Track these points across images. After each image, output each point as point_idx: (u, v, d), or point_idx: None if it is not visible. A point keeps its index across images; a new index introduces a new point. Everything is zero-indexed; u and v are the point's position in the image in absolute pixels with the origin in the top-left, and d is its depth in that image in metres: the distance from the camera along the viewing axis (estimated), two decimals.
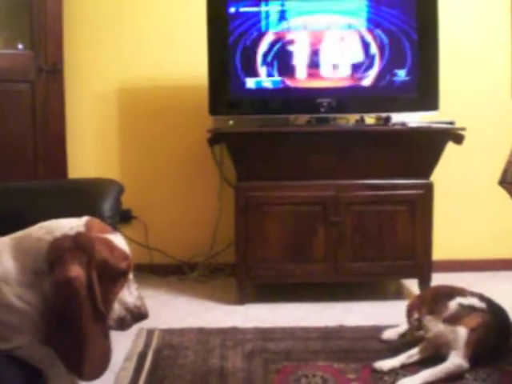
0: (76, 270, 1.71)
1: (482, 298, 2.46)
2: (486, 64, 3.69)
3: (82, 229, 1.80)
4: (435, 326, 2.38)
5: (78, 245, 1.76)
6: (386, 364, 2.35)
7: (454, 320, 2.35)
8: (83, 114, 3.66)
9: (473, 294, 2.46)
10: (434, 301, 2.45)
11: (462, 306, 2.38)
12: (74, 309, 1.72)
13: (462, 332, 2.31)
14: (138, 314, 1.83)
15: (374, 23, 3.17)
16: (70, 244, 1.76)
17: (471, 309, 2.38)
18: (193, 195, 3.73)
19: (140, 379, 2.30)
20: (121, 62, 3.65)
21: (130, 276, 1.85)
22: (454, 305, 2.39)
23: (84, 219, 1.86)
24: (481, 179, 3.68)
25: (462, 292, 2.47)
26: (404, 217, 3.15)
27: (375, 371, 2.33)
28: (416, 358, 2.39)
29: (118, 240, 1.84)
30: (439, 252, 3.40)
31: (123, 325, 1.85)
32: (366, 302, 3.21)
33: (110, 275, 1.78)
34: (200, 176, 3.70)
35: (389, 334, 2.66)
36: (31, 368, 1.74)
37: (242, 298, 3.21)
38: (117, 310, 1.81)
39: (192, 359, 2.49)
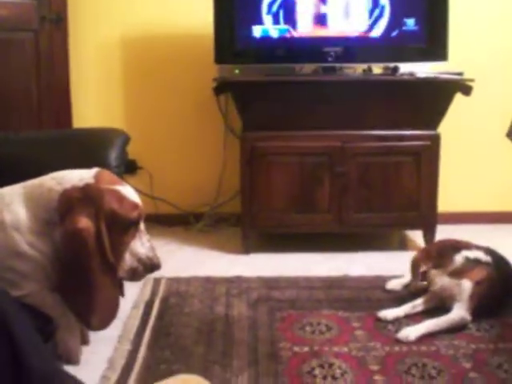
0: (84, 221, 1.73)
1: (487, 251, 2.47)
2: (496, 15, 3.62)
3: (91, 180, 1.81)
4: (441, 280, 2.41)
5: (86, 196, 1.77)
6: (389, 313, 2.38)
7: (459, 273, 2.37)
8: (87, 64, 3.62)
9: (478, 248, 2.48)
10: (439, 254, 2.47)
11: (467, 259, 2.40)
12: (82, 259, 1.74)
13: (466, 285, 2.33)
14: (149, 265, 1.85)
15: None
16: (78, 195, 1.77)
17: (477, 262, 2.39)
18: (198, 145, 3.72)
19: (147, 326, 2.34)
20: (125, 11, 3.59)
21: (142, 227, 1.86)
22: (459, 258, 2.41)
23: (94, 171, 1.87)
24: (488, 131, 3.65)
25: (467, 245, 2.48)
26: (410, 168, 3.14)
27: (379, 320, 2.36)
28: (420, 308, 2.42)
29: (128, 191, 1.85)
30: (445, 204, 3.40)
31: (135, 275, 1.87)
32: (370, 252, 3.23)
33: (120, 226, 1.79)
34: (205, 126, 3.68)
35: (393, 285, 2.69)
36: (42, 315, 1.77)
37: (246, 248, 3.23)
38: (128, 260, 1.83)
39: (198, 307, 2.52)
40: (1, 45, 3.24)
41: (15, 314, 1.32)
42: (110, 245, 1.77)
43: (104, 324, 1.87)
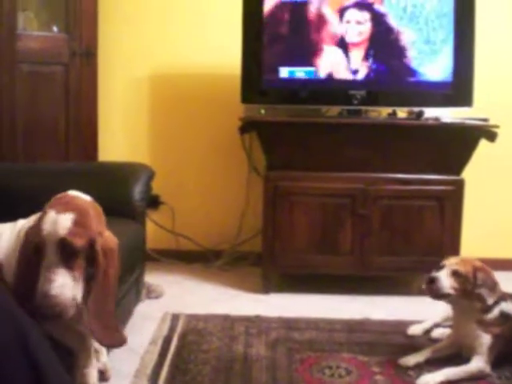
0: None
1: None
2: None
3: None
4: (465, 327, 2.35)
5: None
6: (410, 360, 2.34)
7: (486, 325, 2.32)
8: (115, 99, 3.68)
9: None
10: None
11: (502, 313, 2.32)
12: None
13: (486, 339, 2.29)
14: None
15: (410, 18, 3.13)
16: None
17: (507, 318, 2.33)
18: (221, 183, 3.74)
19: (165, 362, 2.32)
20: (154, 49, 3.65)
21: (47, 260, 1.77)
22: (495, 311, 2.33)
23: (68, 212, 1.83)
24: None
25: (504, 296, 2.38)
26: (433, 212, 3.12)
27: (399, 366, 2.33)
28: (441, 353, 2.38)
29: (52, 216, 1.79)
30: (467, 249, 3.36)
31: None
32: (391, 296, 3.19)
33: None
34: (229, 164, 3.71)
35: (414, 330, 2.65)
36: (63, 347, 1.77)
37: (266, 287, 3.21)
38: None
39: (217, 345, 2.50)
40: (31, 77, 3.30)
41: (39, 340, 1.32)
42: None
43: None
